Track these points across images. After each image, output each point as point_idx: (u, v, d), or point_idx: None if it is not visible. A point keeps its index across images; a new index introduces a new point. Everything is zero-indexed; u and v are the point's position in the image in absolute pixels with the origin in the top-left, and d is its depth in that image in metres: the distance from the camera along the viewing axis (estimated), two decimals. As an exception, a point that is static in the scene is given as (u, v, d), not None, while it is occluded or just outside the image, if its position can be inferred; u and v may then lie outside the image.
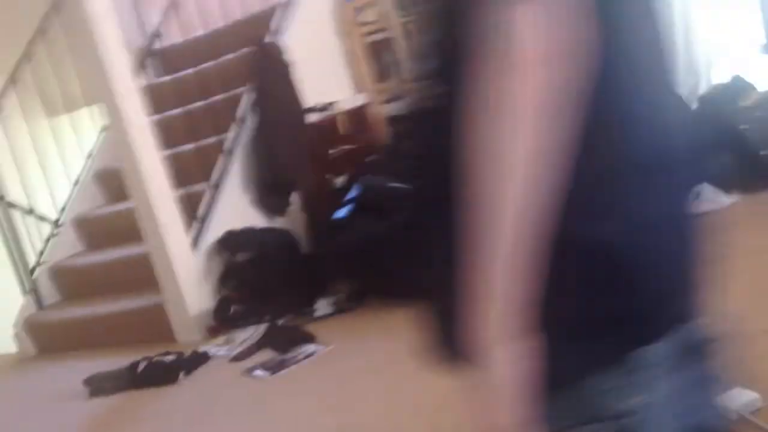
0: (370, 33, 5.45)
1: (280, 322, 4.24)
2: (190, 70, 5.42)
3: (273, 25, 5.43)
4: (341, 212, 4.32)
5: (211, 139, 5.12)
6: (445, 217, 0.82)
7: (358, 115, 5.19)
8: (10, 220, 5.36)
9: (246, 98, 5.17)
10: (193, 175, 4.93)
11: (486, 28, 0.72)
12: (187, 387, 4.01)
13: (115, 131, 4.65)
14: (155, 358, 4.21)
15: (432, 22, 0.86)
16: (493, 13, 0.71)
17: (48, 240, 5.50)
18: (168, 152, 4.83)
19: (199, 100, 5.26)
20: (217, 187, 4.91)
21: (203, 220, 4.82)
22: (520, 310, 0.76)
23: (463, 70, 0.74)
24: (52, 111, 5.77)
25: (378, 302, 4.14)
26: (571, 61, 0.72)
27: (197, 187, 4.94)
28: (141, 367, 4.17)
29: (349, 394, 3.35)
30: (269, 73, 5.03)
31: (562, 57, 0.71)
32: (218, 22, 5.46)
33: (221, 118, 5.13)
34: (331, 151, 4.95)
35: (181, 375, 4.07)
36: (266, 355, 3.98)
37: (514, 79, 0.71)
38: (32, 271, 5.34)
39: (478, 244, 0.75)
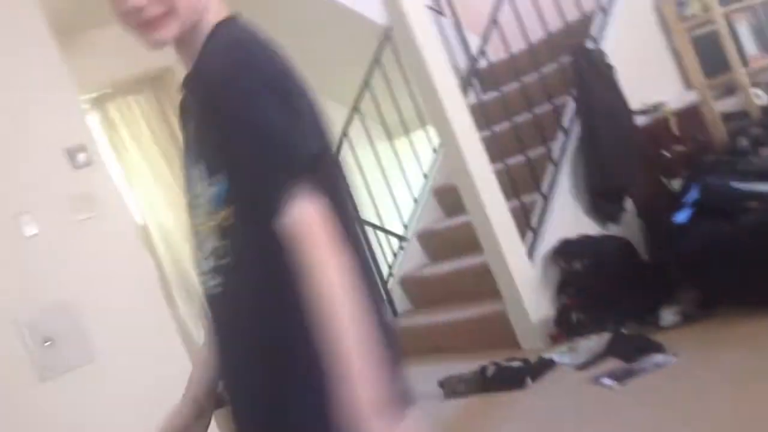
0: (694, 27, 5.25)
1: (624, 330, 4.26)
2: (513, 85, 5.62)
3: (592, 30, 5.46)
4: (681, 216, 4.22)
5: (539, 150, 5.27)
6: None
7: (689, 113, 5.03)
8: (365, 237, 5.96)
9: (570, 106, 5.26)
10: (523, 185, 5.12)
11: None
12: (534, 392, 4.17)
13: (449, 149, 4.98)
14: (503, 364, 4.44)
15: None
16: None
17: (396, 253, 6.03)
18: (498, 165, 5.07)
19: (524, 112, 5.43)
20: (547, 196, 5.05)
21: (537, 229, 4.98)
22: None
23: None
24: (391, 134, 6.32)
25: (729, 310, 3.99)
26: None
27: (529, 198, 5.12)
28: (490, 371, 4.43)
29: (704, 407, 3.28)
30: (592, 78, 5.07)
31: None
32: (537, 34, 5.60)
33: (547, 128, 5.26)
34: (663, 153, 4.85)
35: (528, 380, 4.24)
36: (612, 363, 4.02)
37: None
38: (386, 282, 5.89)
39: None
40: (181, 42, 1.29)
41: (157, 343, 3.75)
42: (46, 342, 3.51)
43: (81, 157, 3.70)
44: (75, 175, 3.70)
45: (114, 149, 5.13)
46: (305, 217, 1.09)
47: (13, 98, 3.60)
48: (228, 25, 1.27)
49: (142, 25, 1.27)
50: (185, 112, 1.33)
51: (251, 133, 1.12)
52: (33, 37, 3.66)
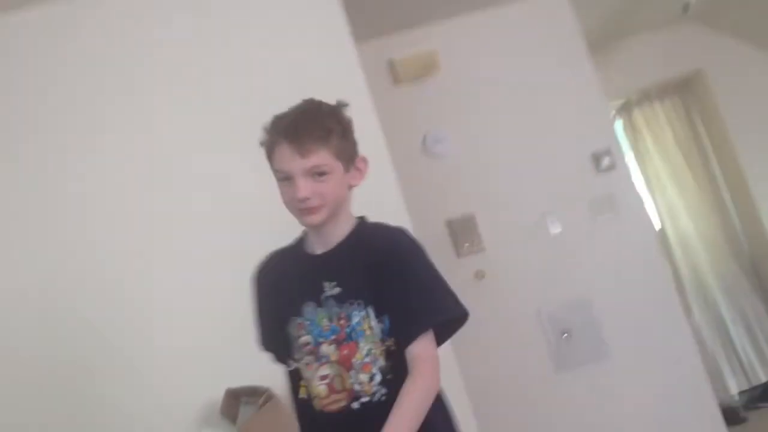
0: None
1: None
2: None
3: None
4: None
5: None
6: None
7: None
8: None
9: None
10: None
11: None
12: None
13: None
14: None
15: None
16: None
17: None
18: None
19: None
20: None
21: None
22: None
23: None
24: None
25: None
26: None
27: None
28: None
29: None
30: None
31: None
32: None
33: None
34: None
35: None
36: None
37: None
38: None
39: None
40: (323, 225, 1.66)
41: (669, 348, 3.71)
42: (563, 334, 3.72)
43: (605, 161, 3.83)
44: (598, 178, 3.84)
45: (636, 154, 5.18)
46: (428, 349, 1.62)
47: (545, 104, 3.88)
48: (367, 220, 1.76)
49: (304, 210, 1.63)
50: (327, 269, 1.66)
51: (426, 280, 1.64)
52: (569, 48, 3.90)
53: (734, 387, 4.83)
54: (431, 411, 1.57)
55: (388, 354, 1.59)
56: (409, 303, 1.60)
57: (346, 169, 1.66)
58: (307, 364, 1.63)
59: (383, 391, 1.58)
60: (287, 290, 1.69)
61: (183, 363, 2.53)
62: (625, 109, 5.28)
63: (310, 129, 1.61)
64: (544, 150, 3.84)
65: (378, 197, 2.76)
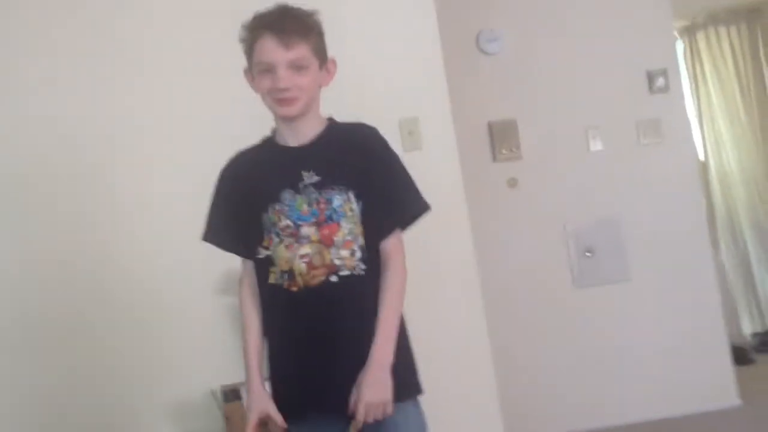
0: None
1: None
2: None
3: None
4: None
5: None
6: None
7: None
8: None
9: None
10: None
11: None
12: None
13: None
14: None
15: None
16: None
17: None
18: None
19: None
20: None
21: None
22: None
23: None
24: None
25: None
26: None
27: None
28: None
29: None
30: None
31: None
32: None
33: None
34: None
35: None
36: None
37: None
38: None
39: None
40: (296, 118, 1.78)
41: (690, 280, 3.71)
42: (587, 252, 3.71)
43: (659, 81, 3.71)
44: (649, 99, 3.74)
45: (692, 80, 5.01)
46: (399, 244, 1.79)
47: (606, 13, 3.74)
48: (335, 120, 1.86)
49: (282, 101, 1.74)
50: (305, 159, 1.77)
51: (401, 178, 1.80)
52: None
53: (749, 328, 4.83)
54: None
55: (366, 234, 1.75)
56: (389, 200, 1.77)
57: (320, 67, 1.78)
58: (287, 245, 1.74)
59: (362, 266, 1.73)
60: (263, 180, 1.80)
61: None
62: (688, 31, 5.07)
63: (294, 24, 1.73)
64: (598, 61, 3.73)
65: (424, 91, 2.73)
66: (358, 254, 1.72)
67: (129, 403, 2.61)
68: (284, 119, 1.79)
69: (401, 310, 1.76)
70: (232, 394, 2.35)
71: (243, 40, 1.77)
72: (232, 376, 2.45)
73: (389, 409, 1.68)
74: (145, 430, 2.61)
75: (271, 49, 1.72)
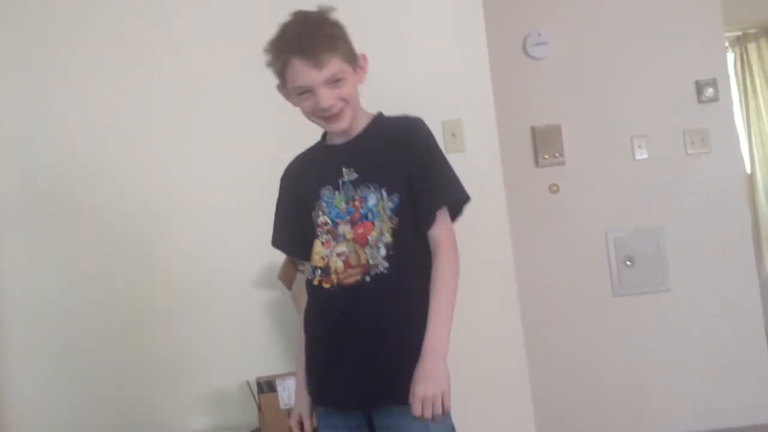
0: None
1: None
2: None
3: None
4: None
5: None
6: None
7: None
8: None
9: None
10: None
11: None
12: None
13: None
14: None
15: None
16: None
17: None
18: None
19: None
20: None
21: None
22: None
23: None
24: None
25: None
26: None
27: None
28: None
29: None
30: None
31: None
32: None
33: None
34: None
35: None
36: None
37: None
38: None
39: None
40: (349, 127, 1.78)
41: (732, 295, 3.64)
42: (627, 261, 3.67)
43: (709, 92, 3.66)
44: (698, 109, 3.68)
45: (742, 91, 4.94)
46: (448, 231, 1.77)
47: (656, 20, 3.70)
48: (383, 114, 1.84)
49: (330, 118, 1.74)
50: (346, 156, 1.77)
51: (443, 166, 1.76)
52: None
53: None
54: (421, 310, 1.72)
55: (394, 232, 1.72)
56: (431, 186, 1.74)
57: (354, 71, 1.76)
58: (324, 242, 1.75)
59: (385, 264, 1.70)
60: (309, 180, 1.81)
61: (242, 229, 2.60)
62: (740, 42, 5.01)
63: (318, 40, 1.69)
64: (646, 69, 3.68)
65: (469, 93, 2.73)
66: (383, 252, 1.70)
67: (168, 393, 2.66)
68: (338, 134, 1.79)
69: (453, 298, 1.71)
70: (267, 386, 2.38)
71: (271, 65, 1.74)
72: (268, 368, 2.50)
73: (447, 401, 1.62)
74: (182, 419, 2.65)
75: (303, 73, 1.69)
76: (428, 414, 1.60)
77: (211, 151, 2.71)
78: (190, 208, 2.69)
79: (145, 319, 2.67)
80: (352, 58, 1.75)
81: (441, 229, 1.74)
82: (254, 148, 2.65)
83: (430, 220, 1.73)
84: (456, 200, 1.77)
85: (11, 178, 2.74)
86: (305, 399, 1.80)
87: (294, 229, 1.83)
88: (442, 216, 1.75)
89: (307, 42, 1.69)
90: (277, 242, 1.89)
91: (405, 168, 1.73)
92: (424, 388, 1.61)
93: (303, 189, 1.80)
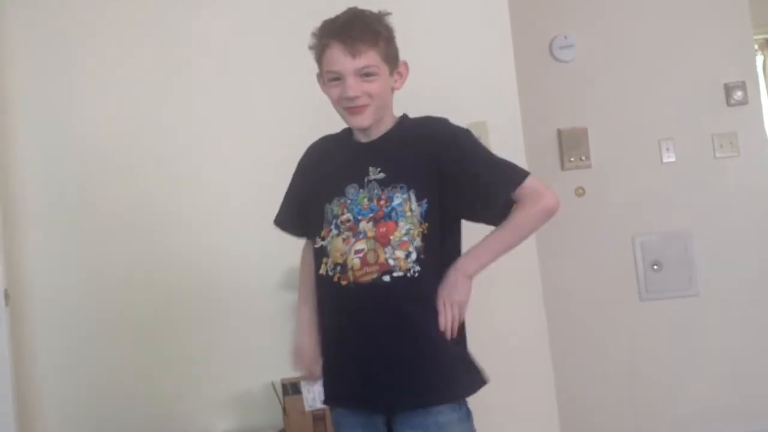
0: None
1: None
2: None
3: None
4: None
5: None
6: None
7: None
8: None
9: None
10: None
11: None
12: None
13: None
14: None
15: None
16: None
17: None
18: None
19: None
20: None
21: None
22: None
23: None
24: None
25: None
26: None
27: None
28: None
29: None
30: None
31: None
32: None
33: None
34: None
35: None
36: None
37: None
38: None
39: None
40: (370, 126, 1.80)
41: (763, 296, 3.59)
42: (654, 265, 3.64)
43: (737, 95, 3.62)
44: (726, 112, 3.64)
45: (771, 94, 4.88)
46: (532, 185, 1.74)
47: (684, 22, 3.66)
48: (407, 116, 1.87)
49: (353, 110, 1.76)
50: (374, 155, 1.79)
51: (490, 163, 1.77)
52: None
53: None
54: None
55: (423, 236, 1.72)
56: (483, 178, 1.74)
57: (390, 73, 1.79)
58: (344, 238, 1.76)
59: (417, 268, 1.71)
60: (332, 173, 1.83)
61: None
62: (770, 44, 4.94)
63: (361, 31, 1.74)
64: (674, 72, 3.65)
65: (495, 95, 2.73)
66: (414, 256, 1.71)
67: (192, 393, 2.68)
68: (357, 129, 1.82)
69: (511, 240, 1.75)
70: (291, 388, 2.39)
71: (312, 48, 1.79)
72: (293, 370, 2.50)
73: (464, 310, 1.73)
74: (207, 419, 2.66)
75: (338, 58, 1.73)
76: (449, 316, 1.70)
77: (237, 154, 2.72)
78: (219, 209, 2.71)
79: (169, 320, 2.69)
80: (391, 60, 1.79)
81: (524, 191, 1.73)
82: (280, 150, 2.66)
83: (495, 210, 1.75)
84: (521, 180, 1.73)
85: (36, 176, 2.76)
86: (306, 338, 1.86)
87: (299, 210, 1.88)
88: (519, 191, 1.73)
89: (348, 29, 1.74)
90: (278, 220, 1.94)
91: (435, 169, 1.74)
92: (447, 293, 1.72)
93: (323, 180, 1.84)
